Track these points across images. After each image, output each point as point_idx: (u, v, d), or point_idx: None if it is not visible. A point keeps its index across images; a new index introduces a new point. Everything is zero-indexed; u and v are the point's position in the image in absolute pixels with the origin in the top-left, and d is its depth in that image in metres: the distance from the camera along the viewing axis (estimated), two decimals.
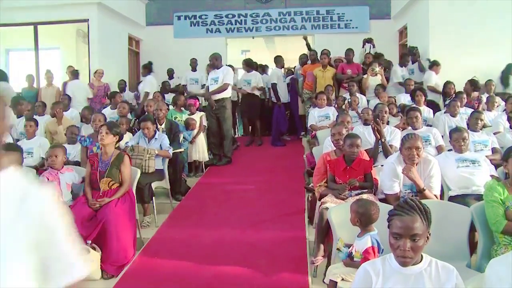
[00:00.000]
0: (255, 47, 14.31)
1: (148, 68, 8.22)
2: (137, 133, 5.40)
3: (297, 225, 4.53)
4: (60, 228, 1.07)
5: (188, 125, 6.40)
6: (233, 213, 4.98)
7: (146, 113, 6.30)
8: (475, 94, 6.93)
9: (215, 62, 6.98)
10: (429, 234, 1.82)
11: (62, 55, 10.72)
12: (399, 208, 1.84)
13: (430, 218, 1.83)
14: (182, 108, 6.88)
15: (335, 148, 4.24)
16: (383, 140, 4.53)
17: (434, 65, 7.79)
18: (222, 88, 6.88)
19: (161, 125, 5.93)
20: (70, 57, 10.27)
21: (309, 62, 8.79)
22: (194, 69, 8.95)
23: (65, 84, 8.31)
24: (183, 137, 6.13)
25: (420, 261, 1.83)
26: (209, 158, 6.88)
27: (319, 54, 8.41)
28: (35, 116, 6.19)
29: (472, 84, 7.07)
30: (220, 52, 7.39)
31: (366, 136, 4.85)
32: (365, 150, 4.59)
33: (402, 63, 8.20)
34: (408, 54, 8.38)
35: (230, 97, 7.21)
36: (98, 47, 9.19)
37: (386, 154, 4.42)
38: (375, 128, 4.47)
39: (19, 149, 3.01)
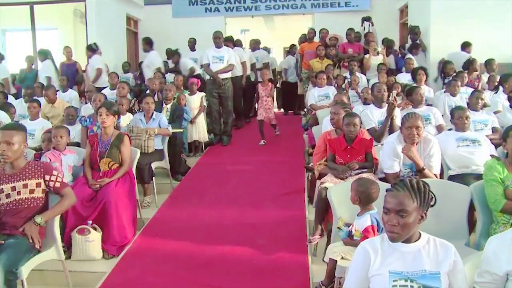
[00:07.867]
0: (254, 26, 14.16)
1: None
2: (134, 116, 5.40)
3: (297, 204, 4.55)
4: None
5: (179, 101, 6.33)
6: (233, 193, 5.00)
7: (148, 91, 6.44)
8: (475, 73, 6.86)
9: (217, 41, 7.03)
10: (425, 214, 1.80)
11: (60, 35, 10.59)
12: (393, 185, 1.88)
13: (426, 198, 1.81)
14: (182, 88, 6.87)
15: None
16: (395, 117, 4.48)
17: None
18: (228, 69, 7.05)
19: (167, 105, 5.99)
20: (68, 37, 10.15)
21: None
22: (193, 49, 8.84)
23: (62, 65, 8.23)
24: (184, 118, 6.12)
25: (419, 239, 1.84)
26: (209, 138, 6.88)
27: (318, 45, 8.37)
28: (34, 97, 6.16)
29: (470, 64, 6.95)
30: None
31: (369, 115, 4.81)
32: (367, 129, 4.58)
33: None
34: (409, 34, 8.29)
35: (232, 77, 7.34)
36: (96, 27, 9.03)
37: (392, 132, 4.38)
38: (392, 105, 4.32)
39: (23, 129, 3.01)
